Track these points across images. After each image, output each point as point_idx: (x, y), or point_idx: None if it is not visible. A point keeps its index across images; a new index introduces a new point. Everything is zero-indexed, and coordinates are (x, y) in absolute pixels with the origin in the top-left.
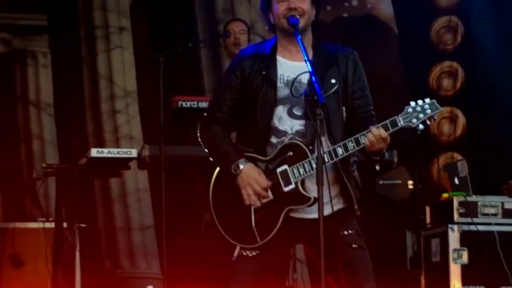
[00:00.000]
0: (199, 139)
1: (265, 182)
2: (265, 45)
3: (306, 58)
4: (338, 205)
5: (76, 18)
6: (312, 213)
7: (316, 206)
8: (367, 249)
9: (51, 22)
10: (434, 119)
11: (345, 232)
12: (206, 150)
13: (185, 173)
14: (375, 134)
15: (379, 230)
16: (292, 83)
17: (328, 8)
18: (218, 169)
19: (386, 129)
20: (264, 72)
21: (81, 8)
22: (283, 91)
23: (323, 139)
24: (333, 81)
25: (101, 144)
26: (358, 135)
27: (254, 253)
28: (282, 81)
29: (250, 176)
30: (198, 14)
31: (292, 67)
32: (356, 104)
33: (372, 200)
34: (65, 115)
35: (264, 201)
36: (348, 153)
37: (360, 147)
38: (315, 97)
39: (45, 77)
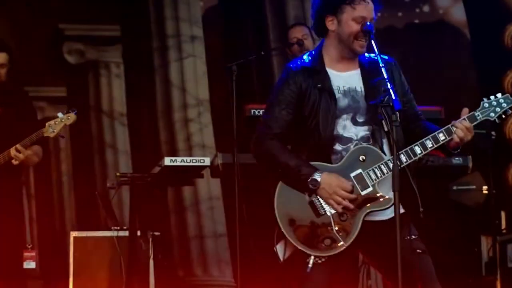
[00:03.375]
0: (253, 154)
1: (348, 184)
2: (310, 58)
3: (381, 64)
4: (400, 210)
5: (148, 28)
6: (375, 216)
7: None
8: (442, 255)
9: (124, 33)
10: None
11: (409, 237)
12: (263, 165)
13: (258, 181)
14: (466, 125)
15: (453, 236)
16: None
17: (400, 14)
18: (281, 182)
19: None
20: (319, 85)
21: (153, 18)
22: (343, 101)
23: (386, 145)
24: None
25: (174, 152)
26: (435, 133)
27: (323, 259)
28: (340, 92)
29: (332, 185)
30: (270, 22)
31: (346, 77)
32: (406, 107)
33: (446, 206)
34: (138, 125)
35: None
36: (427, 151)
37: (438, 144)
38: (391, 104)
39: (118, 87)
